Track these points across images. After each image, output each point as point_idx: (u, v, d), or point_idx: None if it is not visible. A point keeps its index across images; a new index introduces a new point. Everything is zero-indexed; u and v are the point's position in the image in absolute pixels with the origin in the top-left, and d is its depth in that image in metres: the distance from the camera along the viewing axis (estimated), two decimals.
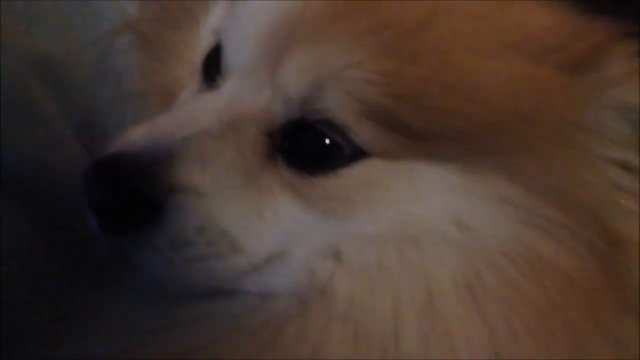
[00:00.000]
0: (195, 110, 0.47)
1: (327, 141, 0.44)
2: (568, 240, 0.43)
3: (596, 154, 0.46)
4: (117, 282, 0.48)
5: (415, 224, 0.44)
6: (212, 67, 0.50)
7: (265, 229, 0.45)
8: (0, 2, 0.53)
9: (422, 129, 0.43)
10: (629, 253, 0.44)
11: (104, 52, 0.58)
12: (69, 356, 0.45)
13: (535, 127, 0.44)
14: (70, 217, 0.50)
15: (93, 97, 0.57)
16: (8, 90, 0.51)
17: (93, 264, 0.49)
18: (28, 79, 0.52)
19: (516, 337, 0.41)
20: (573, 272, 0.42)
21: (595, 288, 0.42)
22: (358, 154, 0.44)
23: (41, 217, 0.51)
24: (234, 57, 0.48)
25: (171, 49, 0.58)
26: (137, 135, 0.45)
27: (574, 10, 0.49)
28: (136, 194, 0.42)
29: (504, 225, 0.43)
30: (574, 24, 0.48)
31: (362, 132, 0.43)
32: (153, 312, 0.46)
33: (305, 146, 0.45)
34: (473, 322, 0.41)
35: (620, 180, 0.45)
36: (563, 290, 0.42)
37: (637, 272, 0.43)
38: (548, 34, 0.46)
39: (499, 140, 0.44)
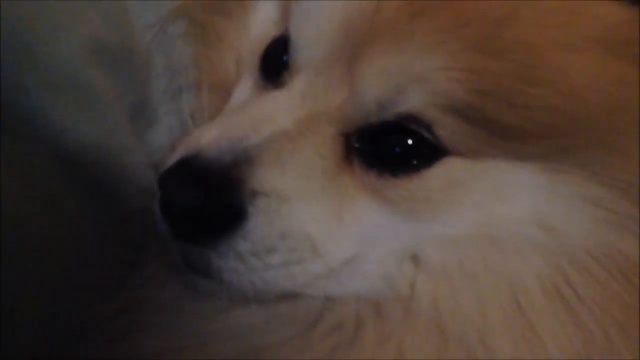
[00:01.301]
0: (268, 109, 0.45)
1: (410, 141, 0.43)
2: None
3: None
4: (182, 282, 0.47)
5: (497, 226, 0.43)
6: (274, 62, 0.49)
7: (345, 231, 0.44)
8: None
9: (509, 126, 0.42)
10: None
11: (158, 37, 0.56)
12: (127, 353, 0.44)
13: (618, 122, 0.43)
14: (130, 208, 0.48)
15: (146, 83, 0.55)
16: (67, 75, 0.49)
17: (156, 259, 0.48)
18: (85, 64, 0.50)
19: (610, 339, 0.41)
20: None
21: None
22: (441, 153, 0.43)
23: (102, 205, 0.50)
24: (306, 53, 0.46)
25: (222, 36, 0.56)
26: (211, 137, 0.43)
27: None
28: (218, 200, 0.41)
29: (588, 225, 0.43)
30: None
31: (448, 127, 0.42)
32: (218, 314, 0.45)
33: (386, 147, 0.44)
34: (565, 325, 0.41)
35: None
36: None
37: None
38: (626, 27, 0.45)
39: (584, 136, 0.43)
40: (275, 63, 0.49)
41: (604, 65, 0.43)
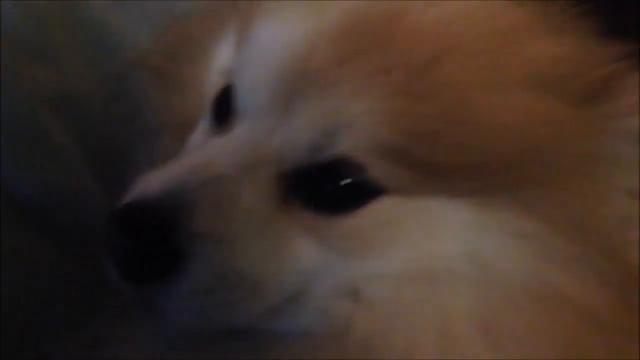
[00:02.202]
0: (211, 154, 0.47)
1: (343, 181, 0.45)
2: (585, 273, 0.43)
3: (610, 185, 0.46)
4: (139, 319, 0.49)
5: (431, 262, 0.44)
6: (223, 108, 0.51)
7: (284, 271, 0.45)
8: (14, 38, 0.54)
9: (436, 165, 0.44)
10: None
11: (118, 86, 0.59)
12: None
13: (549, 160, 0.44)
14: (92, 247, 0.50)
15: (110, 130, 0.58)
16: (22, 124, 0.52)
17: (118, 296, 0.49)
18: (41, 112, 0.52)
19: None
20: (591, 307, 0.42)
21: (615, 324, 0.42)
22: (374, 192, 0.45)
23: (66, 244, 0.52)
24: (246, 99, 0.48)
25: (184, 83, 0.59)
26: (154, 182, 0.46)
27: (588, 36, 0.50)
28: (158, 244, 0.43)
29: (520, 260, 0.43)
30: (585, 53, 0.48)
31: (378, 170, 0.44)
32: (174, 351, 0.47)
33: (321, 188, 0.45)
34: (484, 355, 0.41)
35: (631, 211, 0.46)
36: (582, 327, 0.42)
37: None
38: (558, 65, 0.46)
39: (513, 174, 0.44)
40: (225, 109, 0.51)
41: (532, 104, 0.44)
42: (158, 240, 0.43)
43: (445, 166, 0.44)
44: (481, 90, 0.44)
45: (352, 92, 0.44)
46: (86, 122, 0.55)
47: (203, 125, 0.55)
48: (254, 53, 0.48)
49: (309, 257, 0.45)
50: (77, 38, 0.57)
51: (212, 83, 0.56)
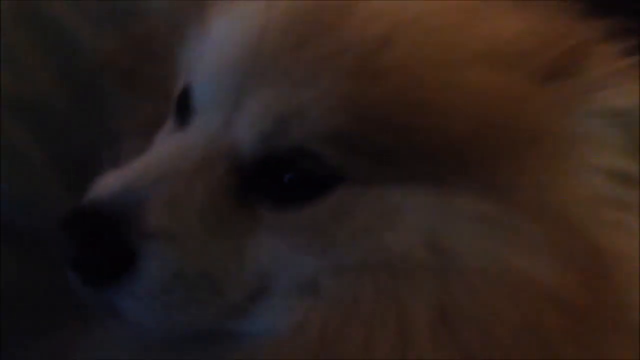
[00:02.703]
0: (166, 152, 0.46)
1: (299, 173, 0.44)
2: (549, 255, 0.41)
3: (580, 163, 0.44)
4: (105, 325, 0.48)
5: (390, 252, 0.42)
6: (184, 106, 0.50)
7: (244, 268, 0.44)
8: None
9: (393, 151, 0.42)
10: (615, 268, 0.42)
11: (82, 87, 0.58)
12: None
13: (509, 139, 0.43)
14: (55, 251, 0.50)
15: (74, 133, 0.57)
16: None
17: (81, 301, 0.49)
18: (4, 116, 0.52)
19: (487, 355, 0.39)
20: (554, 289, 0.41)
21: (578, 305, 0.40)
22: (332, 182, 0.43)
23: (25, 250, 0.52)
24: (201, 95, 0.47)
25: (151, 84, 0.58)
26: (109, 183, 0.45)
27: (554, 11, 0.48)
28: (108, 246, 0.42)
29: (480, 244, 0.42)
30: (549, 27, 0.46)
31: (333, 159, 0.42)
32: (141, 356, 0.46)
33: (277, 180, 0.44)
34: (446, 348, 0.40)
35: (605, 190, 0.44)
36: (542, 308, 0.40)
37: (625, 287, 0.42)
38: (519, 40, 0.45)
39: (471, 154, 0.42)
40: (185, 107, 0.50)
41: (489, 81, 0.43)
42: (109, 241, 0.42)
43: (401, 151, 0.42)
44: (433, 69, 0.42)
45: (302, 79, 0.42)
46: (49, 125, 0.55)
47: (168, 124, 0.54)
48: (207, 49, 0.47)
49: (268, 253, 0.44)
50: (36, 39, 0.56)
51: (179, 82, 0.55)
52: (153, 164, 0.46)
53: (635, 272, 0.43)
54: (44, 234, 0.52)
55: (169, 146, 0.47)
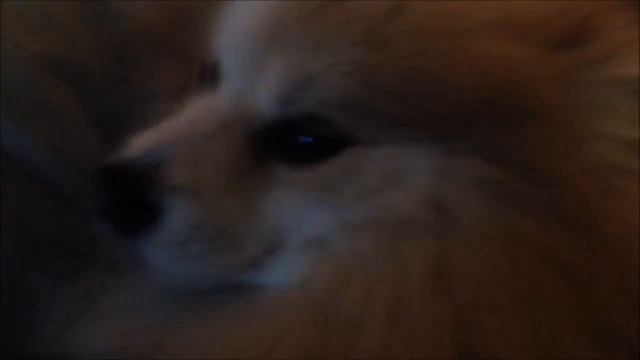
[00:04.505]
0: (191, 115, 0.50)
1: (313, 135, 0.46)
2: (550, 218, 0.43)
3: (587, 131, 0.45)
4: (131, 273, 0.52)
5: (394, 210, 0.45)
6: (212, 73, 0.53)
7: (259, 222, 0.47)
8: (13, 7, 0.57)
9: (400, 115, 0.44)
10: (617, 235, 0.43)
11: (119, 52, 0.62)
12: (80, 334, 0.50)
13: (514, 105, 0.44)
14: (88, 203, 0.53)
15: (111, 95, 0.61)
16: (25, 89, 0.56)
17: (108, 250, 0.52)
18: (44, 78, 0.56)
19: (481, 314, 0.41)
20: (553, 251, 0.42)
21: (578, 269, 0.42)
22: (342, 143, 0.46)
23: (59, 200, 0.56)
24: (226, 61, 0.50)
25: (182, 51, 0.61)
26: (140, 142, 0.48)
27: None
28: (136, 199, 0.46)
29: (481, 205, 0.43)
30: None
31: (343, 122, 0.45)
32: (163, 305, 0.50)
33: (293, 141, 0.47)
34: (438, 301, 0.42)
35: (611, 157, 0.45)
36: (540, 269, 0.42)
37: (626, 255, 0.42)
38: (529, 10, 0.46)
39: (476, 120, 0.44)
40: (212, 74, 0.53)
41: (496, 49, 0.44)
42: (136, 194, 0.46)
43: (408, 115, 0.44)
44: (440, 38, 0.44)
45: (315, 48, 0.45)
46: (87, 86, 0.59)
47: (197, 89, 0.57)
48: (231, 21, 0.50)
49: (282, 208, 0.47)
50: (76, 6, 0.60)
51: (207, 50, 0.58)
52: (179, 126, 0.49)
53: (637, 240, 0.43)
54: (80, 186, 0.56)
55: (194, 109, 0.51)
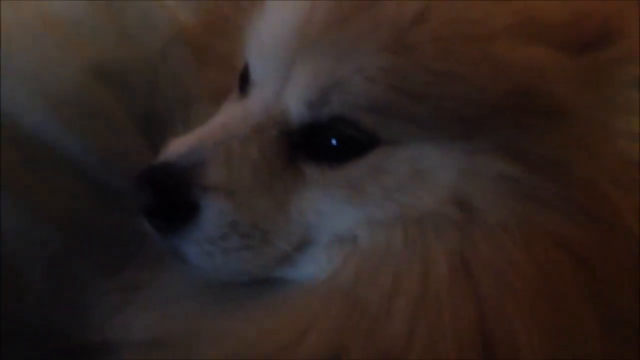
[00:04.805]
0: (226, 119, 0.53)
1: (341, 137, 0.48)
2: (571, 212, 0.44)
3: (606, 128, 0.46)
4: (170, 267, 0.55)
5: (421, 207, 0.47)
6: (245, 79, 0.56)
7: (290, 220, 0.50)
8: (64, 20, 0.61)
9: (424, 116, 0.46)
10: (636, 230, 0.44)
11: (161, 58, 0.65)
12: (119, 327, 0.53)
13: (535, 106, 0.45)
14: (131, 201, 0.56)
15: (154, 97, 0.65)
16: (74, 93, 0.60)
17: (149, 245, 0.55)
18: (90, 83, 0.60)
19: (503, 305, 0.43)
20: (572, 244, 0.43)
21: (596, 263, 0.43)
22: (369, 144, 0.48)
23: (104, 196, 0.60)
24: (257, 69, 0.53)
25: (219, 58, 0.64)
26: (178, 145, 0.51)
27: None
28: (172, 197, 0.49)
29: (505, 201, 0.45)
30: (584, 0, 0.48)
31: (370, 124, 0.47)
32: (200, 296, 0.53)
33: (322, 143, 0.49)
34: (462, 293, 0.43)
35: (631, 154, 0.46)
36: (559, 261, 0.43)
37: None
38: (553, 14, 0.47)
39: (499, 120, 0.46)
40: (246, 80, 0.56)
41: (519, 52, 0.45)
42: (174, 194, 0.49)
43: (432, 117, 0.46)
44: (464, 42, 0.45)
45: (343, 53, 0.47)
46: (130, 91, 0.62)
47: (233, 95, 0.60)
48: (263, 29, 0.53)
49: (312, 206, 0.50)
50: (117, 13, 0.64)
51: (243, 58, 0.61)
52: (215, 129, 0.52)
53: None
54: (124, 185, 0.59)
55: (229, 114, 0.53)
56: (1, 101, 0.57)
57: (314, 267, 0.50)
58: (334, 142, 0.49)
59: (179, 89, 0.64)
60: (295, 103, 0.50)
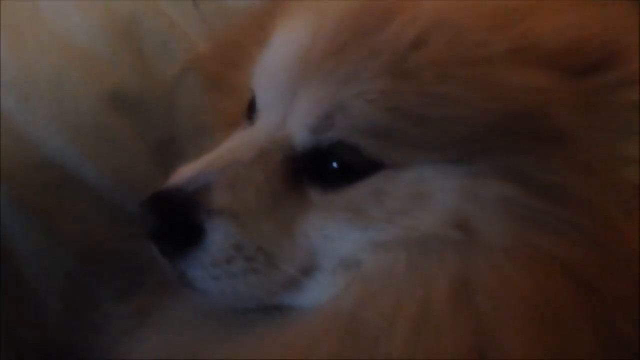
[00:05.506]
0: (232, 145, 0.54)
1: (342, 161, 0.49)
2: (572, 235, 0.44)
3: (612, 154, 0.46)
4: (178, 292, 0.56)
5: (423, 230, 0.47)
6: (252, 108, 0.57)
7: (295, 243, 0.51)
8: (80, 47, 0.64)
9: (424, 139, 0.47)
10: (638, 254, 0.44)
11: (176, 86, 0.68)
12: (131, 349, 0.54)
13: (536, 130, 0.46)
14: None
15: (170, 125, 0.67)
16: (92, 120, 0.63)
17: (161, 270, 0.56)
18: (106, 110, 0.63)
19: (501, 327, 0.42)
20: (573, 268, 0.43)
21: (597, 285, 0.43)
22: (371, 168, 0.49)
23: (119, 221, 0.62)
24: (262, 97, 0.55)
25: (233, 87, 0.66)
26: (186, 171, 0.53)
27: (589, 7, 0.50)
28: (178, 221, 0.50)
29: (506, 224, 0.45)
30: (584, 25, 0.48)
31: (371, 148, 0.48)
32: (208, 322, 0.54)
33: (325, 166, 0.50)
34: (461, 315, 0.43)
35: (633, 179, 0.45)
36: (559, 284, 0.43)
37: None
38: (552, 39, 0.47)
39: (499, 143, 0.46)
40: (253, 108, 0.58)
41: (518, 76, 0.46)
42: (179, 218, 0.50)
43: (432, 140, 0.47)
44: (464, 66, 0.46)
45: (343, 79, 0.48)
46: (146, 119, 0.65)
47: (243, 123, 0.62)
48: (268, 58, 0.55)
49: (317, 230, 0.50)
50: (131, 42, 0.66)
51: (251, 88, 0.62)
52: (222, 155, 0.53)
53: None
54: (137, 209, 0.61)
55: (236, 140, 0.55)
56: (24, 126, 0.59)
57: (320, 294, 0.50)
58: (335, 166, 0.50)
59: (194, 118, 0.66)
60: (299, 129, 0.51)
